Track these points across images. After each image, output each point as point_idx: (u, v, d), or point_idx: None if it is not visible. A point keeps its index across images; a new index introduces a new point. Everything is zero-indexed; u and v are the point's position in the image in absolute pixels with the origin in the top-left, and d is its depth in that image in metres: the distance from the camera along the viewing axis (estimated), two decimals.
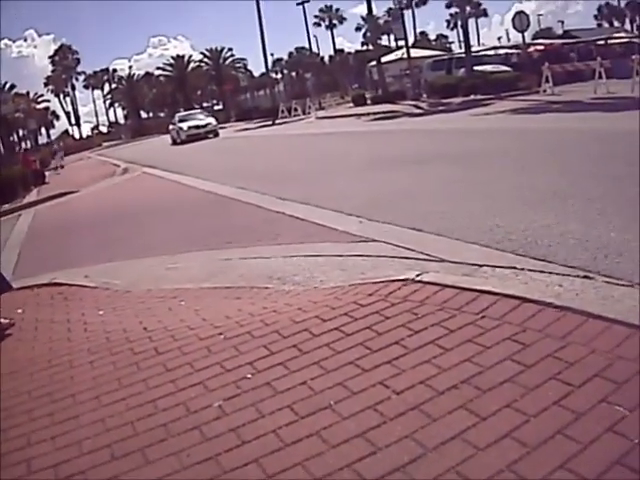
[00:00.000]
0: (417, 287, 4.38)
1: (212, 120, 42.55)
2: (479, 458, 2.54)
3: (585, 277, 4.51)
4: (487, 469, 2.46)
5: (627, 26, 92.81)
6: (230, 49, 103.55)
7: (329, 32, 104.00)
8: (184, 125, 41.05)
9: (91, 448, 3.19)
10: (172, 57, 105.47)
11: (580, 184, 7.62)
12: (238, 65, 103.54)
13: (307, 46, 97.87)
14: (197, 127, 40.70)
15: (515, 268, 4.91)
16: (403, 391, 3.12)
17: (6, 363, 4.73)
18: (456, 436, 2.69)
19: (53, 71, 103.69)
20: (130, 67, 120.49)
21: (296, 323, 4.17)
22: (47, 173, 32.79)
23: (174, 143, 41.56)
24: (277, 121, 44.57)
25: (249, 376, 3.59)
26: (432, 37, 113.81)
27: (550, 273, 4.71)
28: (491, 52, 41.92)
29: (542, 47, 37.80)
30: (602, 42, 38.73)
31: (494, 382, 3.05)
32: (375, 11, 59.33)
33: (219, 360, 3.88)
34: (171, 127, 44.49)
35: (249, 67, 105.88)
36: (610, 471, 2.35)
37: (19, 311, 6.16)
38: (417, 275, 4.60)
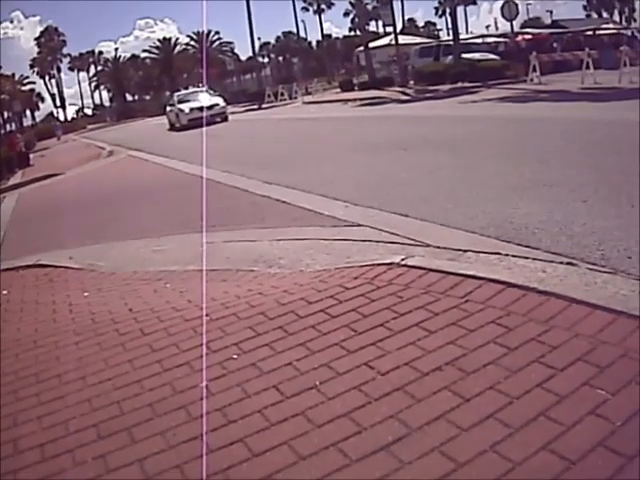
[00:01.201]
0: (402, 271, 4.41)
1: (220, 100, 34.76)
2: (463, 438, 2.57)
3: (569, 264, 4.55)
4: (471, 449, 2.49)
5: (616, 17, 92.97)
6: (217, 32, 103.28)
7: (317, 17, 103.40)
8: (185, 107, 33.63)
9: (77, 428, 3.20)
10: (159, 40, 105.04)
11: (565, 172, 7.65)
12: (225, 49, 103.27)
13: (295, 31, 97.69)
14: (201, 109, 32.68)
15: (499, 254, 4.94)
16: (388, 372, 3.14)
17: None
18: (440, 417, 2.72)
19: (39, 53, 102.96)
20: (116, 49, 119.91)
21: (282, 305, 4.18)
22: (31, 155, 32.59)
23: (172, 128, 34.99)
24: (263, 105, 44.39)
25: (235, 357, 3.60)
26: (420, 24, 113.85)
27: (534, 259, 4.73)
28: (479, 40, 41.95)
29: (530, 36, 37.80)
30: (590, 33, 38.80)
31: (478, 364, 3.08)
32: None
33: (205, 341, 3.89)
34: (168, 109, 37.16)
35: (236, 51, 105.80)
36: (592, 453, 2.38)
37: (4, 292, 6.15)
38: (402, 259, 4.63)
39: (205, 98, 34.96)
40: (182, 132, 30.97)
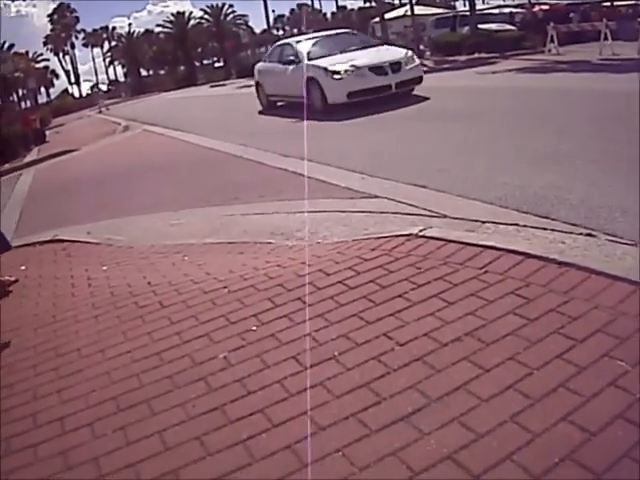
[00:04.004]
0: (420, 242, 4.39)
1: (407, 53, 16.32)
2: (482, 409, 2.57)
3: (588, 235, 4.52)
4: (490, 420, 2.49)
5: None
6: (231, 6, 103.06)
7: None
8: (339, 64, 15.47)
9: (97, 401, 3.24)
10: (172, 14, 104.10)
11: (584, 144, 7.58)
12: (239, 22, 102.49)
13: (309, 3, 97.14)
14: (380, 70, 15.22)
15: (518, 225, 4.91)
16: (407, 343, 3.14)
17: (11, 319, 4.75)
18: (460, 387, 2.72)
19: (52, 30, 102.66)
20: (130, 25, 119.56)
21: (300, 277, 4.19)
22: (47, 132, 32.61)
23: (270, 108, 18.85)
24: None
25: (254, 328, 3.62)
26: None
27: (553, 230, 4.71)
28: (496, 11, 41.46)
29: (547, 7, 37.32)
30: (608, 3, 38.24)
31: (497, 335, 3.08)
32: None
33: (224, 313, 3.91)
34: (266, 67, 19.41)
35: (250, 24, 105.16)
36: (612, 424, 2.38)
37: (22, 268, 6.16)
38: (420, 230, 4.61)
39: (378, 47, 17.41)
40: (191, 104, 30.52)
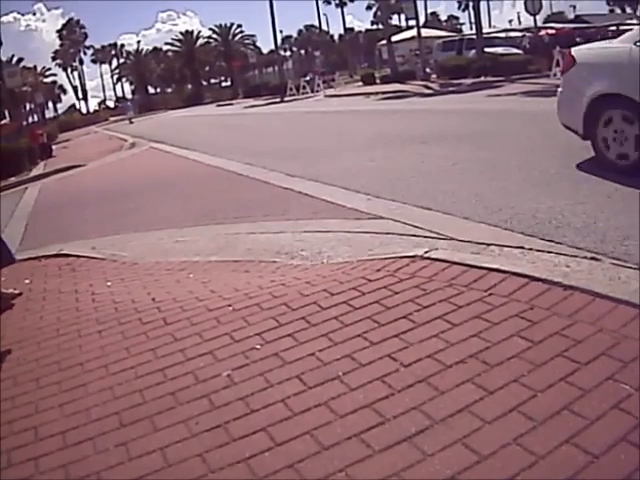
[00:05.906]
0: (425, 264, 4.39)
1: None
2: (486, 431, 2.56)
3: (592, 258, 4.51)
4: (494, 442, 2.48)
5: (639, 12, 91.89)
6: (239, 25, 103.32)
7: (339, 10, 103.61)
8: None
9: (99, 415, 3.22)
10: (181, 33, 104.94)
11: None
12: (247, 42, 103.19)
13: (317, 24, 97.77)
14: None
15: (523, 248, 4.91)
16: (411, 364, 3.14)
17: (14, 332, 4.75)
18: (463, 409, 2.71)
19: (61, 45, 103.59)
20: (138, 42, 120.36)
21: (304, 296, 4.19)
22: (54, 147, 32.71)
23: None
24: (285, 98, 44.26)
25: (258, 347, 3.61)
26: (443, 18, 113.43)
27: (558, 254, 4.70)
28: (502, 34, 41.68)
29: (553, 31, 37.50)
30: (614, 28, 38.38)
31: (501, 357, 3.07)
32: None
33: (228, 331, 3.90)
34: None
35: (258, 44, 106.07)
36: (615, 447, 2.37)
37: (27, 282, 6.18)
38: (425, 252, 4.61)
39: None
40: (200, 123, 30.51)
